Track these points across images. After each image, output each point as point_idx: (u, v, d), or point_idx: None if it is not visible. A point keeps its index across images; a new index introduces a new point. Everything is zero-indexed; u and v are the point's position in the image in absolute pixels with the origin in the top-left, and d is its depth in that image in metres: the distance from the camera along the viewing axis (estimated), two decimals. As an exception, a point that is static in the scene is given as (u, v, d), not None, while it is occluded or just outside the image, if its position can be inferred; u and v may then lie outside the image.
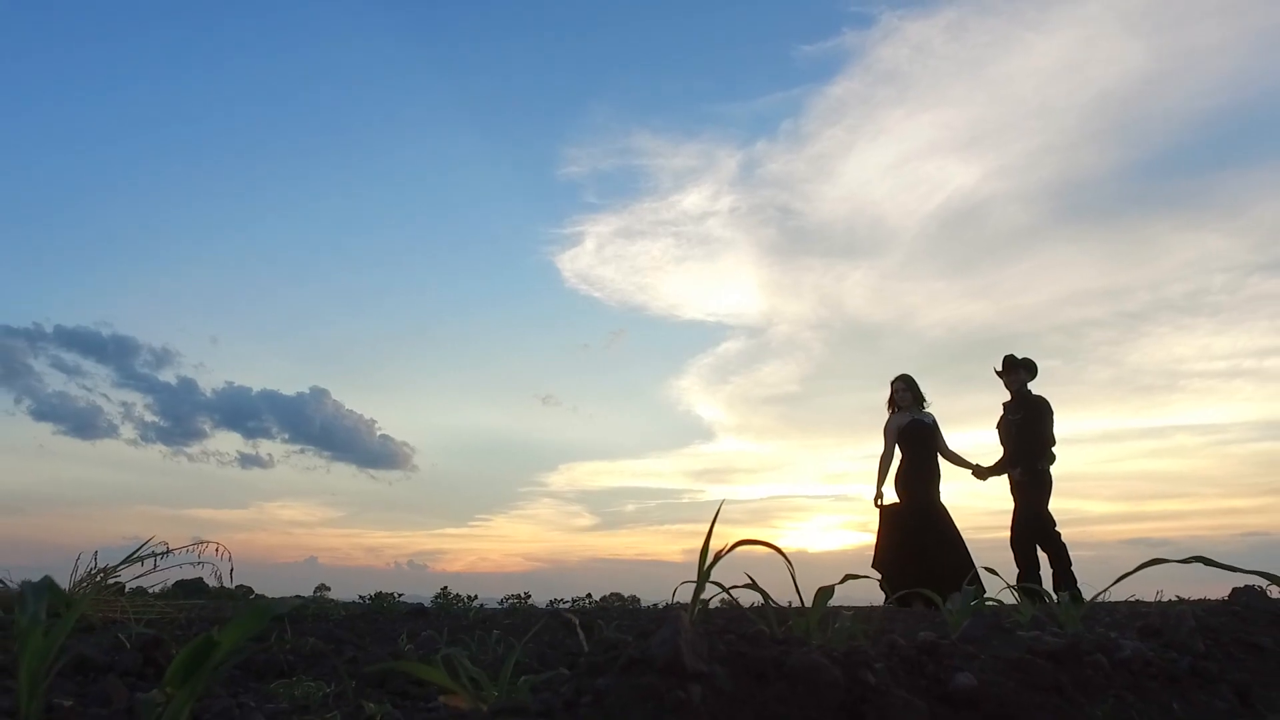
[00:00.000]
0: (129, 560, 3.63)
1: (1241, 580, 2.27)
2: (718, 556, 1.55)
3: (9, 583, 4.05)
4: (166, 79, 34.32)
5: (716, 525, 1.50)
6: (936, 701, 1.42)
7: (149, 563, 3.93)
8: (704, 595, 1.63)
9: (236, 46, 34.36)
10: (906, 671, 1.50)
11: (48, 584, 0.85)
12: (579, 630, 1.53)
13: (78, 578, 3.89)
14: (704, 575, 1.52)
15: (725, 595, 1.78)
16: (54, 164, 34.75)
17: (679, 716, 1.15)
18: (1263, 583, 1.95)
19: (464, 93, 37.56)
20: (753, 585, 1.89)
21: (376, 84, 36.53)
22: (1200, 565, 1.85)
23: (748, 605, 2.09)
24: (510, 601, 8.15)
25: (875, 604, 4.54)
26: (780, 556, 1.83)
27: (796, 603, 1.88)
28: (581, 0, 35.23)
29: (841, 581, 1.98)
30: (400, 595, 6.69)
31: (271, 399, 32.72)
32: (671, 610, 1.34)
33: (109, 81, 33.56)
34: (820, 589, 1.90)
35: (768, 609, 1.83)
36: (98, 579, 3.82)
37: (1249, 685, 1.55)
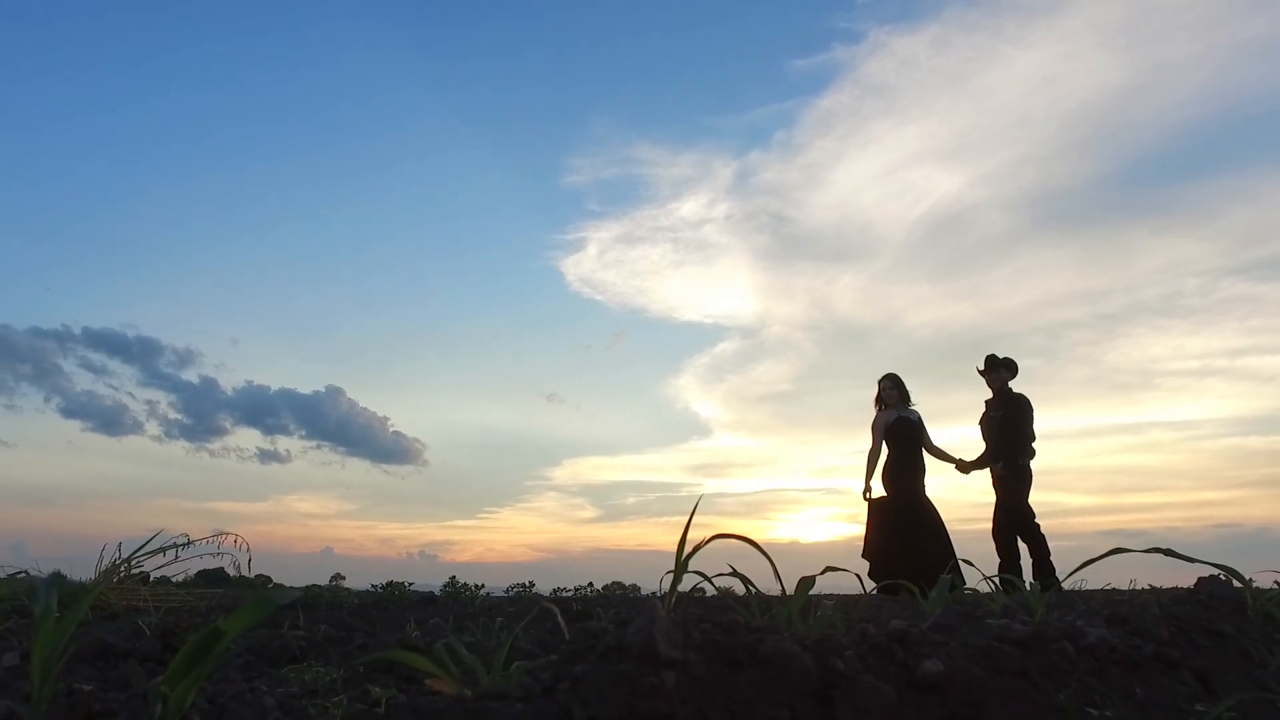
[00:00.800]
0: (148, 551, 3.76)
1: (1208, 570, 2.32)
2: (695, 548, 1.62)
3: (37, 574, 4.21)
4: (189, 93, 34.95)
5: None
6: (905, 687, 1.47)
7: (171, 553, 4.07)
8: (701, 586, 1.70)
9: (255, 63, 34.85)
10: (877, 658, 1.55)
11: (58, 578, 0.93)
12: (560, 618, 1.60)
13: (103, 568, 4.04)
14: (681, 565, 1.59)
15: (722, 584, 1.84)
16: (82, 173, 35.49)
17: (652, 702, 1.20)
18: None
19: (473, 107, 37.93)
20: (742, 579, 1.96)
21: (390, 99, 36.93)
22: (1175, 555, 1.90)
23: (742, 594, 2.16)
24: (515, 590, 8.30)
25: (864, 593, 4.61)
26: (772, 547, 1.89)
27: (789, 592, 1.95)
28: (583, 19, 35.33)
29: (822, 572, 2.04)
30: (411, 584, 6.85)
31: (289, 397, 33.36)
32: (648, 600, 1.40)
33: (135, 95, 34.20)
34: (802, 579, 1.96)
35: (749, 598, 1.90)
36: (121, 569, 3.96)
37: (1209, 671, 1.60)
